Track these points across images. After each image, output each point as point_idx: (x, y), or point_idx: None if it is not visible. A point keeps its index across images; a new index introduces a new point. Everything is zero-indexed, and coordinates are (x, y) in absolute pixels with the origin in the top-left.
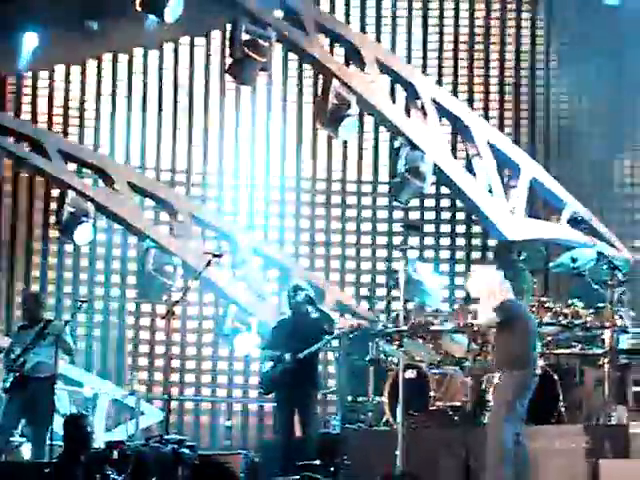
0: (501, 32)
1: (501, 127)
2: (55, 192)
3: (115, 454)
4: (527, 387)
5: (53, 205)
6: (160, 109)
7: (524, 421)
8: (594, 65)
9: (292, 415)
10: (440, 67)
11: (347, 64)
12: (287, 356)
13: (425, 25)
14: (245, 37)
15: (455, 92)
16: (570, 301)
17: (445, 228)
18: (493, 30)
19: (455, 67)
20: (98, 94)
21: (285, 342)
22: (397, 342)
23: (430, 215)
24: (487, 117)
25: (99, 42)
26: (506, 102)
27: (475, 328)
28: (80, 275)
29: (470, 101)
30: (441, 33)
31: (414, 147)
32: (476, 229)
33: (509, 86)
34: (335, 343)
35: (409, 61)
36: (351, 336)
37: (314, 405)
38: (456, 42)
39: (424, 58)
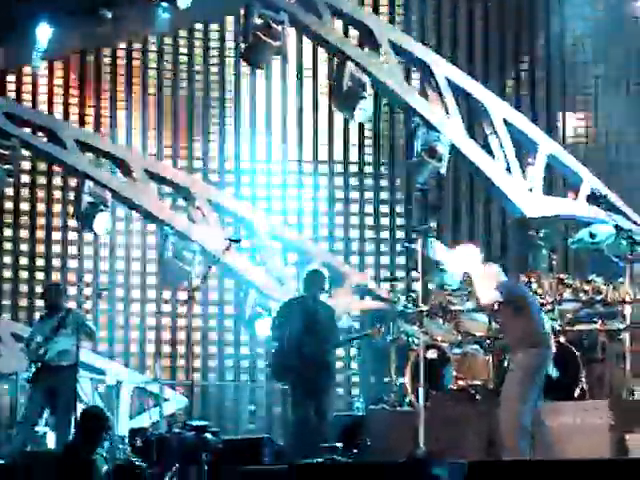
0: (516, 10)
1: (518, 106)
2: (73, 182)
3: (139, 441)
4: (542, 365)
5: (71, 195)
6: (176, 95)
7: (542, 399)
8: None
9: (307, 398)
10: (454, 47)
11: (361, 46)
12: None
13: (439, 5)
14: (259, 22)
15: (470, 72)
16: (590, 277)
17: (463, 208)
18: (508, 7)
19: (470, 47)
20: (113, 82)
21: (294, 325)
22: (418, 322)
23: (448, 195)
24: (503, 96)
25: (113, 30)
26: (522, 81)
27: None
28: (100, 264)
29: (485, 81)
30: (455, 13)
31: (430, 127)
32: (495, 208)
33: (525, 63)
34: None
35: (423, 42)
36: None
37: (330, 394)
38: (471, 22)
39: (438, 38)
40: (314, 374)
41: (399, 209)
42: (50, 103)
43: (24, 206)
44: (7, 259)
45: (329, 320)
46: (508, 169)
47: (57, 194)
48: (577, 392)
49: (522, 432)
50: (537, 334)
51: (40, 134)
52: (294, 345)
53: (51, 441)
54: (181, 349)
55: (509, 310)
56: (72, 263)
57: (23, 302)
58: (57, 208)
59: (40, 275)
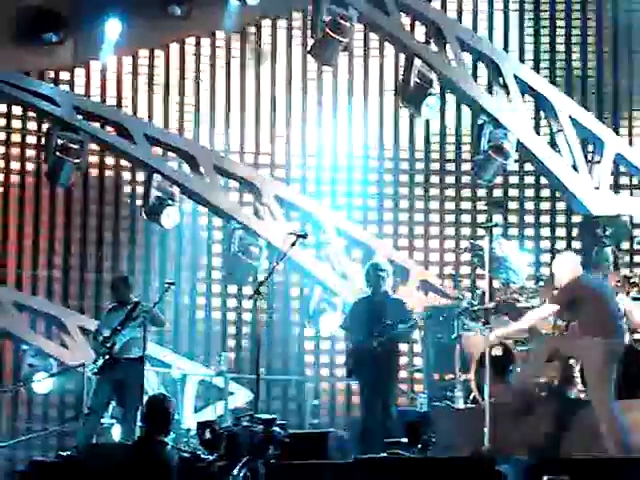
0: (583, 9)
1: (584, 103)
2: (141, 176)
3: (207, 434)
4: (617, 355)
5: (140, 189)
6: (243, 91)
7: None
8: None
9: (376, 393)
10: (522, 44)
11: (428, 43)
12: (374, 342)
13: (506, 2)
14: (326, 17)
15: (537, 69)
16: None
17: (529, 205)
18: (575, 6)
19: (536, 44)
20: (182, 78)
21: (363, 321)
22: (483, 320)
23: (514, 192)
24: (570, 94)
25: (182, 26)
26: (589, 78)
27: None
28: (167, 257)
29: (552, 78)
30: (522, 10)
31: (497, 124)
32: (560, 206)
33: (591, 62)
34: (421, 323)
35: (490, 39)
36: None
37: (393, 387)
38: (537, 19)
39: (505, 35)
40: (380, 369)
41: (464, 206)
42: (119, 98)
43: (93, 197)
44: (75, 249)
45: (397, 313)
46: (574, 167)
47: (125, 188)
48: None
49: (618, 420)
50: (610, 324)
51: (109, 128)
52: (364, 342)
53: (116, 434)
54: (246, 343)
55: (578, 303)
56: (139, 257)
57: (90, 294)
58: (125, 202)
59: (108, 268)
